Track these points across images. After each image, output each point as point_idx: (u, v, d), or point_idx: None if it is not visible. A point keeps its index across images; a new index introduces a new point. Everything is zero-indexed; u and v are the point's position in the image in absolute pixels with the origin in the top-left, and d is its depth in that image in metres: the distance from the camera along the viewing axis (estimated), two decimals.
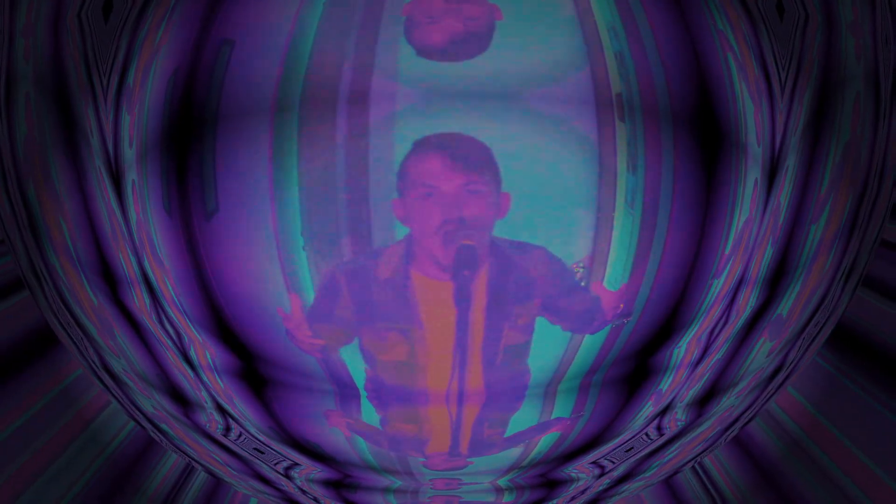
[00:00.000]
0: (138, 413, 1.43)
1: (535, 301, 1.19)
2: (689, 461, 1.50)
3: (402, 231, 1.16)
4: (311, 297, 1.18)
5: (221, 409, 1.32)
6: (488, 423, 1.27)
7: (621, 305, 1.20)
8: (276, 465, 1.38)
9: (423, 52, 1.13)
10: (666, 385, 1.29)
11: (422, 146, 1.13)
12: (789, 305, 1.31)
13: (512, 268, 1.17)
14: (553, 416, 1.28)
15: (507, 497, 1.41)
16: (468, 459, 1.31)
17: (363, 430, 1.29)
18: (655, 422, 1.34)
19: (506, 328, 1.19)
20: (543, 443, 1.31)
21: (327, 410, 1.27)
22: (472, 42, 1.13)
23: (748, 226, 1.22)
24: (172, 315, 1.25)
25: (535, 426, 1.29)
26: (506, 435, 1.29)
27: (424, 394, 1.23)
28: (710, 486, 1.75)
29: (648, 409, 1.31)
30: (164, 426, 1.42)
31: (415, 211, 1.15)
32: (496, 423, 1.27)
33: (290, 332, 1.20)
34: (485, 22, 1.13)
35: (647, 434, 1.35)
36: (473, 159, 1.13)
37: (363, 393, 1.24)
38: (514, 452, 1.32)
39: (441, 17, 1.13)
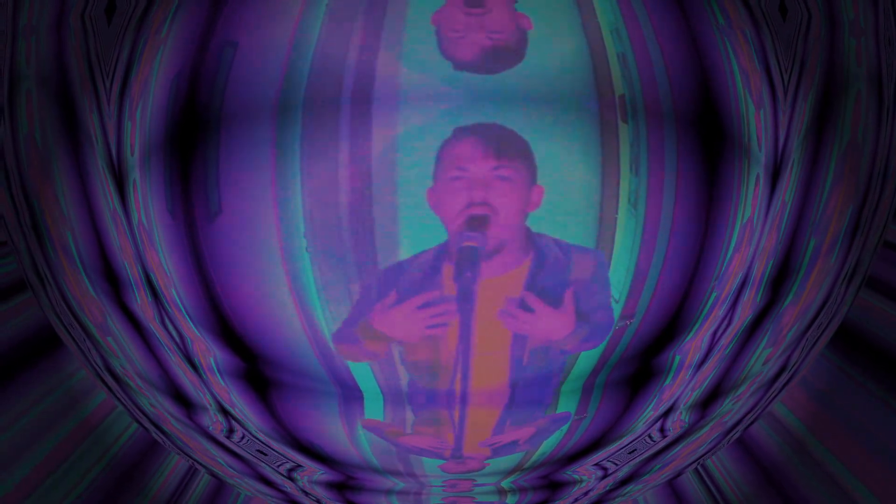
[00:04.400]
0: (141, 415, 1.43)
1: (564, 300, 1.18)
2: (693, 463, 1.50)
3: (402, 230, 1.16)
4: (317, 302, 1.18)
5: (224, 411, 1.32)
6: (510, 422, 1.26)
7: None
8: (279, 466, 1.38)
9: (460, 66, 1.13)
10: (669, 386, 1.29)
11: (459, 132, 1.12)
12: (792, 307, 1.31)
13: (551, 267, 1.16)
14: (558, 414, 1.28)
15: (509, 499, 1.41)
16: (485, 461, 1.31)
17: (393, 439, 1.29)
18: (659, 423, 1.33)
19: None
20: (546, 444, 1.31)
21: (364, 421, 1.27)
22: (505, 57, 1.13)
23: (751, 227, 1.22)
24: (175, 316, 1.25)
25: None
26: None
27: (451, 395, 1.23)
28: (712, 489, 1.75)
29: (651, 410, 1.31)
30: (166, 428, 1.42)
31: (443, 195, 1.14)
32: (519, 422, 1.27)
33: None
34: (512, 34, 1.13)
35: (650, 436, 1.35)
36: (506, 146, 1.13)
37: (391, 396, 1.24)
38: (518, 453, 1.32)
39: (466, 32, 1.13)
